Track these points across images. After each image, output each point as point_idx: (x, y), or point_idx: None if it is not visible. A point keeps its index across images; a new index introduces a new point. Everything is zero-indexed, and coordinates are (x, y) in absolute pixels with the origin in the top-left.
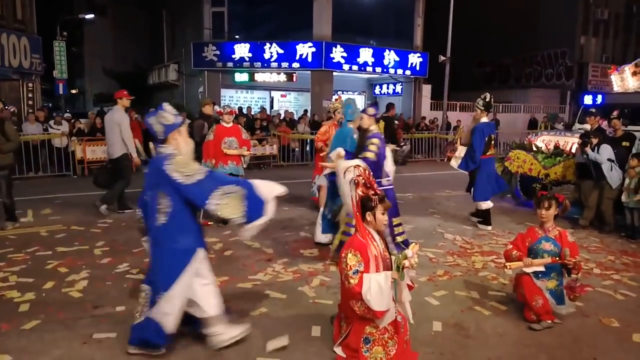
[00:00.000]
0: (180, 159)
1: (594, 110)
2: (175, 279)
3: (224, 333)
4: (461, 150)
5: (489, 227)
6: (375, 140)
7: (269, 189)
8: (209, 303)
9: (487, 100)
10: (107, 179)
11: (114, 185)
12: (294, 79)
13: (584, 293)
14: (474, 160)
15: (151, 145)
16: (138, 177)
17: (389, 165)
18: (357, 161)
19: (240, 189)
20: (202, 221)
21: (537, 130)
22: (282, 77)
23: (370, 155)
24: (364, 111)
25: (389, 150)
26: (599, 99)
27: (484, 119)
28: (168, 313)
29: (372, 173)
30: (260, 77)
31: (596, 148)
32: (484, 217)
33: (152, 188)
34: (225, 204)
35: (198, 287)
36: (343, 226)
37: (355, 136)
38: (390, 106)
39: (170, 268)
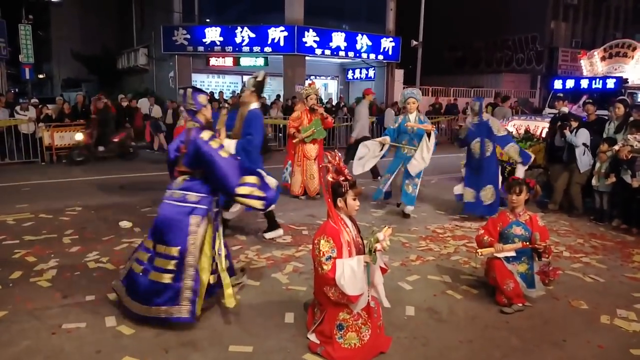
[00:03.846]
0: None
1: (561, 95)
2: None
3: None
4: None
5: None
6: None
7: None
8: None
9: (260, 79)
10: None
11: None
12: (208, 63)
13: (557, 276)
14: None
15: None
16: None
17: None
18: None
19: None
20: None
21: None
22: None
23: None
24: None
25: None
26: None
27: (255, 105)
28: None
29: None
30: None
31: (575, 131)
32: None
33: None
34: None
35: None
36: None
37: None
38: (506, 98)
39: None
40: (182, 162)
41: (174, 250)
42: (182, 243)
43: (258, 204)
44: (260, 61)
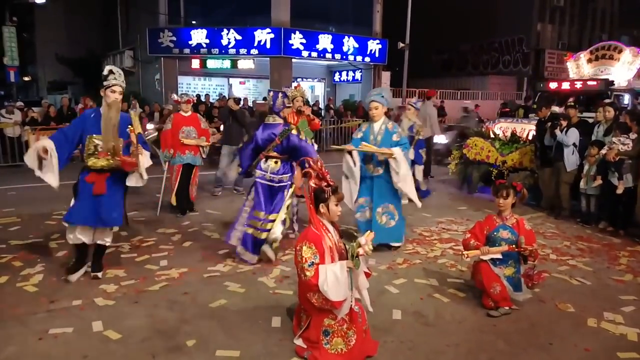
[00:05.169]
0: None
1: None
2: None
3: None
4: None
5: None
6: None
7: None
8: None
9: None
10: None
11: None
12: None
13: (542, 280)
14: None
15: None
16: None
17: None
18: None
19: None
20: None
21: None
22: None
23: None
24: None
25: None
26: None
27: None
28: None
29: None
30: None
31: (565, 130)
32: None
33: None
34: None
35: None
36: None
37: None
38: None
39: None
40: (273, 149)
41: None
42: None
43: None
44: (227, 63)
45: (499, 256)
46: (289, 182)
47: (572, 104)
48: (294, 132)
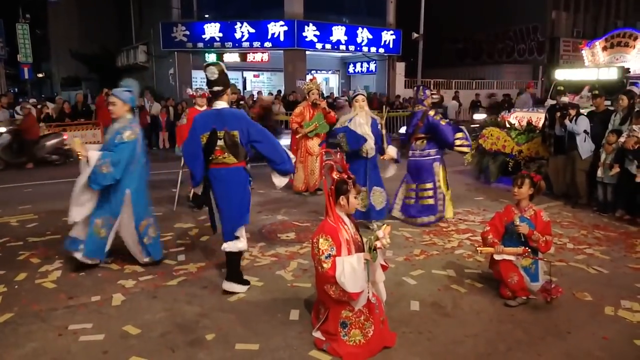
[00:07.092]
0: None
1: (562, 88)
2: None
3: None
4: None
5: None
6: None
7: None
8: None
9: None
10: None
11: None
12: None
13: (559, 294)
14: None
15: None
16: None
17: None
18: None
19: None
20: None
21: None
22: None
23: None
24: None
25: None
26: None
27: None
28: None
29: None
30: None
31: (574, 119)
32: None
33: None
34: None
35: None
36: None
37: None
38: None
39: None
40: (419, 132)
41: (429, 184)
42: (433, 179)
43: (467, 149)
44: (212, 57)
45: (512, 258)
46: (437, 157)
47: (598, 92)
48: (431, 113)
